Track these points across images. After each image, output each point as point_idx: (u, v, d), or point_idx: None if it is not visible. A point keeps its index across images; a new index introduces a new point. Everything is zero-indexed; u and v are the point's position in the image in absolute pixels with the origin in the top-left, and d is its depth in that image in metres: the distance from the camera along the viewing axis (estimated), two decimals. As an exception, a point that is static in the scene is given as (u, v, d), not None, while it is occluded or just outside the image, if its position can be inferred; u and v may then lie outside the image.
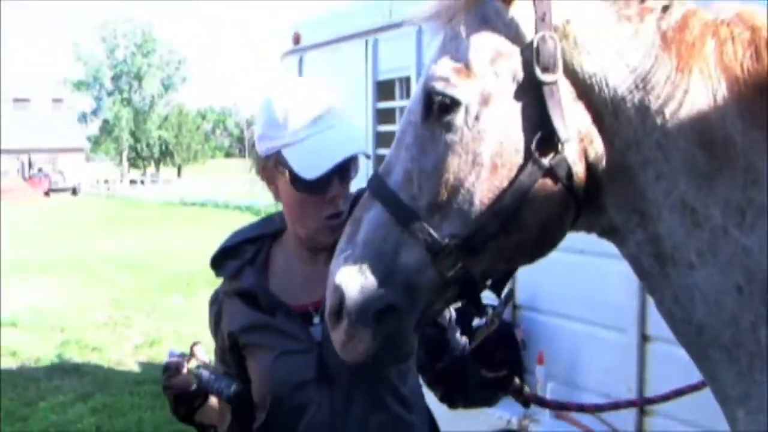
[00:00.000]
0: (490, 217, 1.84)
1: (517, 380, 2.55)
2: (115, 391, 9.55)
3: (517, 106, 1.84)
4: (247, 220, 2.83)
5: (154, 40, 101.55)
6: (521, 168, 1.82)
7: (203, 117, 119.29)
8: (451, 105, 1.86)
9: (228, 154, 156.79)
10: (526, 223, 1.86)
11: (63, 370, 10.61)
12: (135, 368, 10.80)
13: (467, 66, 1.87)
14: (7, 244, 22.55)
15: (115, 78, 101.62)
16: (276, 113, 2.49)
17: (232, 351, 2.67)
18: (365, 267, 1.92)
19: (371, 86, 6.76)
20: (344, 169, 2.50)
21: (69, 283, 17.59)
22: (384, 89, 6.73)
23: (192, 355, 2.52)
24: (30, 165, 75.14)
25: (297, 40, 7.92)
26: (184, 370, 2.46)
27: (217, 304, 2.77)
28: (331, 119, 2.49)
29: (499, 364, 2.51)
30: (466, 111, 1.85)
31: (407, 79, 6.39)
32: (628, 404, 4.08)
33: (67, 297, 15.97)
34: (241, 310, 2.65)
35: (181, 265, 19.64)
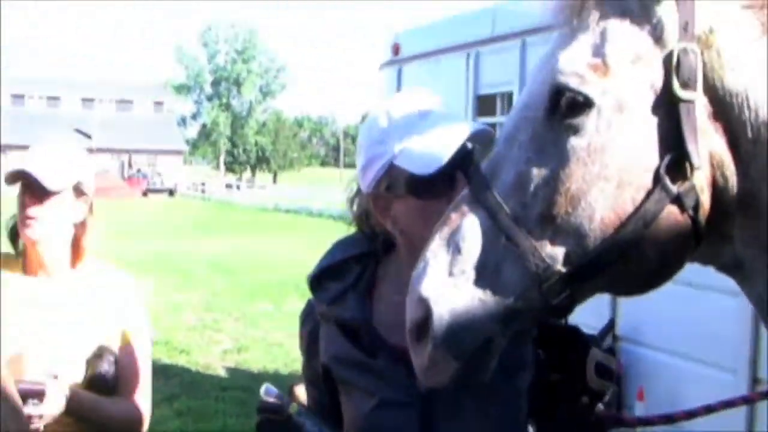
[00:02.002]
0: (611, 245, 1.64)
1: (585, 398, 2.25)
2: (201, 396, 9.55)
3: (651, 120, 1.64)
4: (341, 229, 2.56)
5: (255, 47, 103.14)
6: (649, 192, 1.63)
7: (300, 125, 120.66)
8: (582, 105, 1.64)
9: (323, 163, 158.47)
10: (645, 253, 1.66)
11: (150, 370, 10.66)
12: (222, 373, 10.79)
13: (605, 63, 1.66)
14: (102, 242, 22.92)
15: (215, 83, 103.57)
16: (378, 128, 2.24)
17: (326, 380, 2.36)
18: (460, 282, 1.70)
19: (471, 101, 6.61)
20: (465, 163, 2.15)
21: (162, 283, 17.78)
22: (485, 104, 6.57)
23: (292, 397, 2.30)
24: (130, 165, 76.94)
25: (396, 50, 7.82)
26: (285, 415, 2.20)
27: (311, 321, 2.43)
28: (437, 113, 2.24)
29: (562, 367, 2.20)
30: (599, 114, 1.64)
31: (509, 95, 6.23)
32: (724, 405, 3.57)
33: (160, 297, 16.12)
34: (338, 340, 2.33)
35: (272, 271, 19.73)
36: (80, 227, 3.16)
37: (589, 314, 1.99)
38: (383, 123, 2.25)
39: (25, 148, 3.10)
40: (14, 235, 3.17)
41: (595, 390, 2.14)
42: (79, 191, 3.12)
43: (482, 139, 2.23)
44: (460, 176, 2.16)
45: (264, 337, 12.75)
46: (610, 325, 4.95)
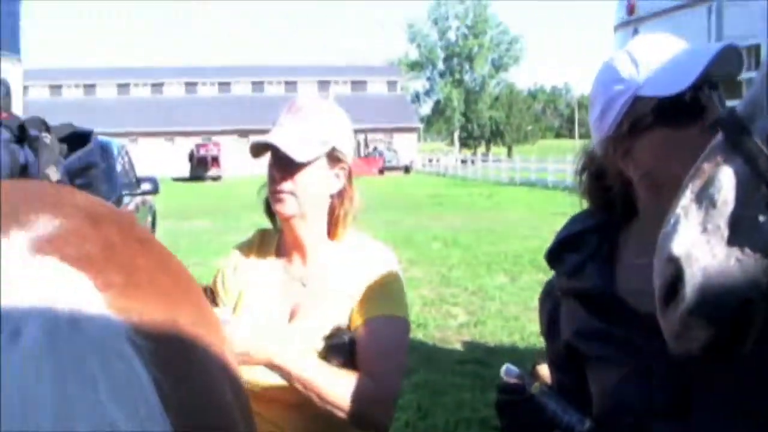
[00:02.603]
0: None
1: None
2: (438, 369, 9.54)
3: None
4: (575, 202, 2.40)
5: (486, 21, 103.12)
6: None
7: (534, 97, 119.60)
8: None
9: (558, 135, 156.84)
10: None
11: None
12: (458, 347, 10.76)
13: None
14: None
15: (447, 59, 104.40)
16: (617, 68, 2.06)
17: (569, 359, 2.21)
18: (715, 239, 1.49)
19: (714, 57, 6.18)
20: (716, 82, 1.96)
21: (399, 258, 18.00)
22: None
23: (534, 376, 2.18)
24: (366, 144, 78.82)
25: (631, 10, 7.46)
26: (526, 395, 2.09)
27: (551, 300, 2.31)
28: (678, 44, 2.05)
29: None
30: None
31: (756, 48, 5.77)
32: None
33: (397, 272, 16.34)
34: (579, 314, 2.17)
35: (507, 244, 19.59)
36: (338, 198, 2.87)
37: None
38: (622, 61, 2.07)
39: (265, 132, 2.89)
40: (270, 209, 2.92)
41: None
42: (334, 159, 2.82)
43: (730, 58, 1.99)
44: (709, 103, 1.95)
45: (500, 310, 12.63)
46: None
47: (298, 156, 2.72)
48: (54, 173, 1.87)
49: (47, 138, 1.95)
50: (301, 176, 2.75)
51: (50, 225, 1.53)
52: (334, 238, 2.91)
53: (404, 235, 21.96)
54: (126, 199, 13.83)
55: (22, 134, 1.89)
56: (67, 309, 1.33)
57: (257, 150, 2.83)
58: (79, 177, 2.13)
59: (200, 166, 69.97)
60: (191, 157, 71.54)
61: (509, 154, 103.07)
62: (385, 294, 2.81)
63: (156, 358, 1.37)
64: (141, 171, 16.80)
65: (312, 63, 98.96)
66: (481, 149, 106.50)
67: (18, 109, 10.39)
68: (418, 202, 35.00)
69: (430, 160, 77.60)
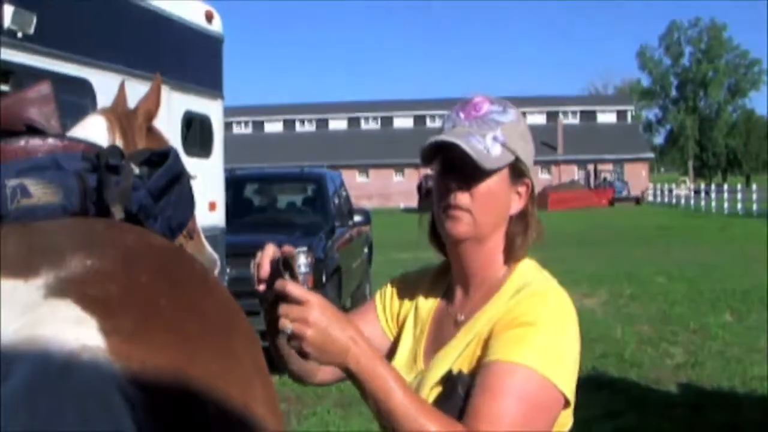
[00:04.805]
0: None
1: None
2: (646, 412, 8.99)
3: None
4: None
5: (721, 44, 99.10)
6: None
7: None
8: None
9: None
10: None
11: (597, 383, 10.29)
12: (672, 389, 10.15)
13: None
14: (561, 252, 23.04)
15: (680, 86, 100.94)
16: None
17: None
18: None
19: None
20: None
21: (617, 293, 17.43)
22: None
23: None
24: (596, 175, 77.40)
25: None
26: None
27: None
28: None
29: None
30: None
31: None
32: None
33: (614, 308, 15.80)
34: None
35: (736, 280, 18.53)
36: (517, 220, 2.28)
37: None
38: None
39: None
40: (436, 235, 2.43)
41: None
42: (518, 172, 2.26)
43: None
44: None
45: (721, 351, 11.88)
46: None
47: (485, 162, 2.17)
48: (118, 212, 1.77)
49: (122, 171, 1.82)
50: (481, 189, 2.22)
51: (80, 265, 1.48)
52: (504, 268, 2.32)
53: (627, 269, 21.35)
54: (339, 231, 14.04)
55: (97, 164, 1.80)
56: (61, 355, 1.28)
57: (429, 155, 2.30)
58: (163, 197, 1.95)
59: (429, 198, 70.58)
60: (420, 188, 72.49)
61: (747, 183, 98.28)
62: (521, 338, 2.10)
63: (154, 409, 1.30)
64: (372, 203, 16.98)
65: (540, 93, 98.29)
66: (717, 179, 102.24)
67: (219, 143, 10.87)
68: (646, 235, 33.90)
69: (662, 191, 75.01)
